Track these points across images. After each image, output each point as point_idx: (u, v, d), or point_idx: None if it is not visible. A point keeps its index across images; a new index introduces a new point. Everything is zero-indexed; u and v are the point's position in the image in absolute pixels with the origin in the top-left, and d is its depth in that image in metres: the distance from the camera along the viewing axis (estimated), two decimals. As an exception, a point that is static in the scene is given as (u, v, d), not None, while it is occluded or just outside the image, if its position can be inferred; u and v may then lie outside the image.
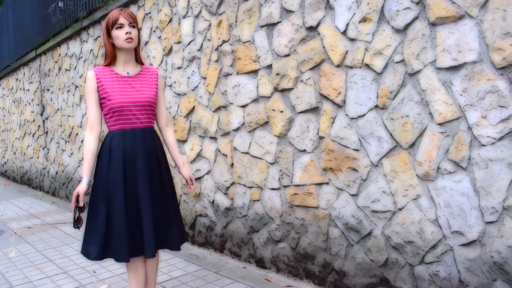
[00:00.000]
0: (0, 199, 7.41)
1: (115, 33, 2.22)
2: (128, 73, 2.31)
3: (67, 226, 5.12)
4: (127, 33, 2.20)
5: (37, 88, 7.77)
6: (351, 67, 2.61)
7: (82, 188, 2.20)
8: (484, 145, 2.09)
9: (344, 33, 2.63)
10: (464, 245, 2.20)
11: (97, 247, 2.23)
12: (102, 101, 2.27)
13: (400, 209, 2.44)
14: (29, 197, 7.48)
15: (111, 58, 2.29)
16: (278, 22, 3.02)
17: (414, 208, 2.38)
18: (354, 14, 2.57)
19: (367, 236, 2.62)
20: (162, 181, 2.34)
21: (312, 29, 2.81)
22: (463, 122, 2.16)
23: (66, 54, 6.51)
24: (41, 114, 7.66)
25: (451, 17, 2.16)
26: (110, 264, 3.50)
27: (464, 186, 2.18)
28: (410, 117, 2.35)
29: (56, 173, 7.20)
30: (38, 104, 7.77)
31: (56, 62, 6.92)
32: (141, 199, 2.24)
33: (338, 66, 2.68)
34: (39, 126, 7.83)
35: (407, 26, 2.34)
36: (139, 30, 2.32)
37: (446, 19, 2.18)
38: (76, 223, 2.22)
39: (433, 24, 2.24)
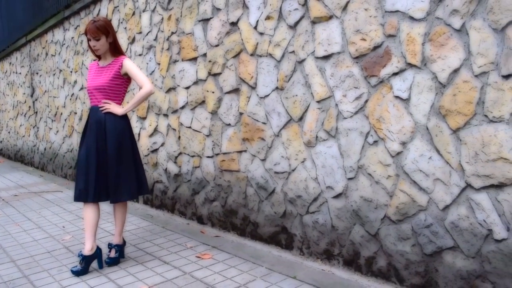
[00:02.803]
0: (-6, 173, 8.09)
1: (88, 43, 2.99)
2: (103, 64, 3.05)
3: (49, 194, 5.78)
4: (92, 46, 2.96)
5: (28, 71, 8.39)
6: (260, 56, 3.21)
7: None
8: (345, 118, 2.70)
9: (255, 28, 3.22)
10: (334, 197, 2.82)
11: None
12: None
13: (293, 170, 3.06)
14: (21, 172, 8.15)
15: (96, 56, 3.08)
16: (211, 18, 3.61)
17: (302, 169, 3.00)
18: (262, 13, 3.16)
19: (272, 193, 3.24)
20: (105, 146, 2.94)
21: (234, 24, 3.40)
22: (332, 100, 2.76)
23: (52, 41, 7.11)
24: (31, 96, 8.28)
25: (324, 17, 2.75)
26: (78, 221, 4.14)
27: (333, 151, 2.79)
28: (299, 96, 2.96)
29: (45, 149, 7.85)
30: (29, 87, 8.39)
31: (43, 48, 7.52)
32: (91, 156, 2.94)
33: (251, 55, 3.27)
34: (29, 106, 8.46)
35: (296, 23, 2.93)
36: (108, 35, 2.93)
37: (321, 19, 2.77)
38: None
39: (313, 22, 2.83)
